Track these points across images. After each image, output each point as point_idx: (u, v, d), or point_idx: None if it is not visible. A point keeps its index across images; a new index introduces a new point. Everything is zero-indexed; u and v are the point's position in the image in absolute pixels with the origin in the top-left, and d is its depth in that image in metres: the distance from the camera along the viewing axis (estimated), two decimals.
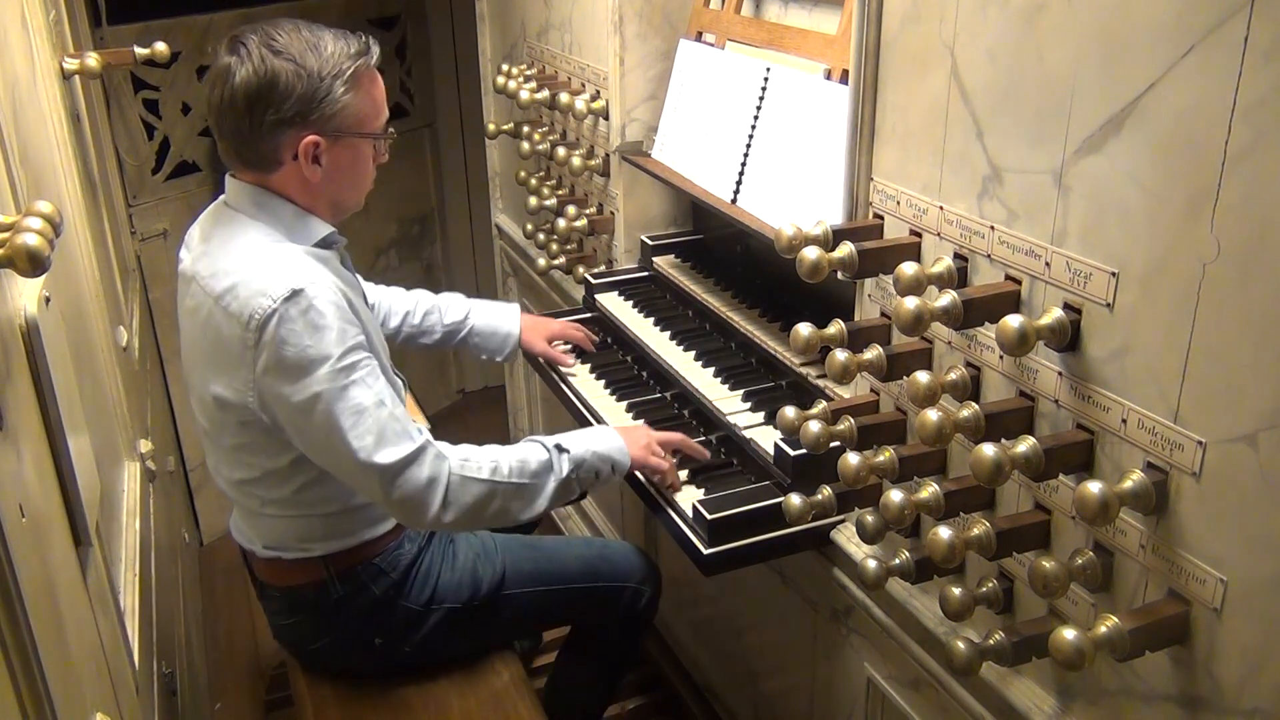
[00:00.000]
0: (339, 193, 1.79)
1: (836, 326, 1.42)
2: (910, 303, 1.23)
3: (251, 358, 1.65)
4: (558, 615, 2.17)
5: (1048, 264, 1.22)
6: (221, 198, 1.80)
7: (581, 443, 1.87)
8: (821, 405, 1.48)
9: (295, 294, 1.62)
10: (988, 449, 1.15)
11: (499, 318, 2.37)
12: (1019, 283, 1.28)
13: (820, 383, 1.90)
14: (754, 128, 2.08)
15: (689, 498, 1.84)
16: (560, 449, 1.85)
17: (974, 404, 1.24)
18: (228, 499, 1.95)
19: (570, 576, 2.09)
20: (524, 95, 2.74)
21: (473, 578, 2.00)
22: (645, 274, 2.57)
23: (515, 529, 2.19)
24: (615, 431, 1.92)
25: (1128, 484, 1.11)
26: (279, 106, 1.64)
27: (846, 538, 1.72)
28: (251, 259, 1.68)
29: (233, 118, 1.67)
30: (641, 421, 2.10)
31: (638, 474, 1.93)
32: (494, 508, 1.78)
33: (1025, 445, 1.18)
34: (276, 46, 1.65)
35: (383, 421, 1.67)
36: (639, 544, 2.74)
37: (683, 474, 1.93)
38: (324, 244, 1.78)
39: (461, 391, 4.70)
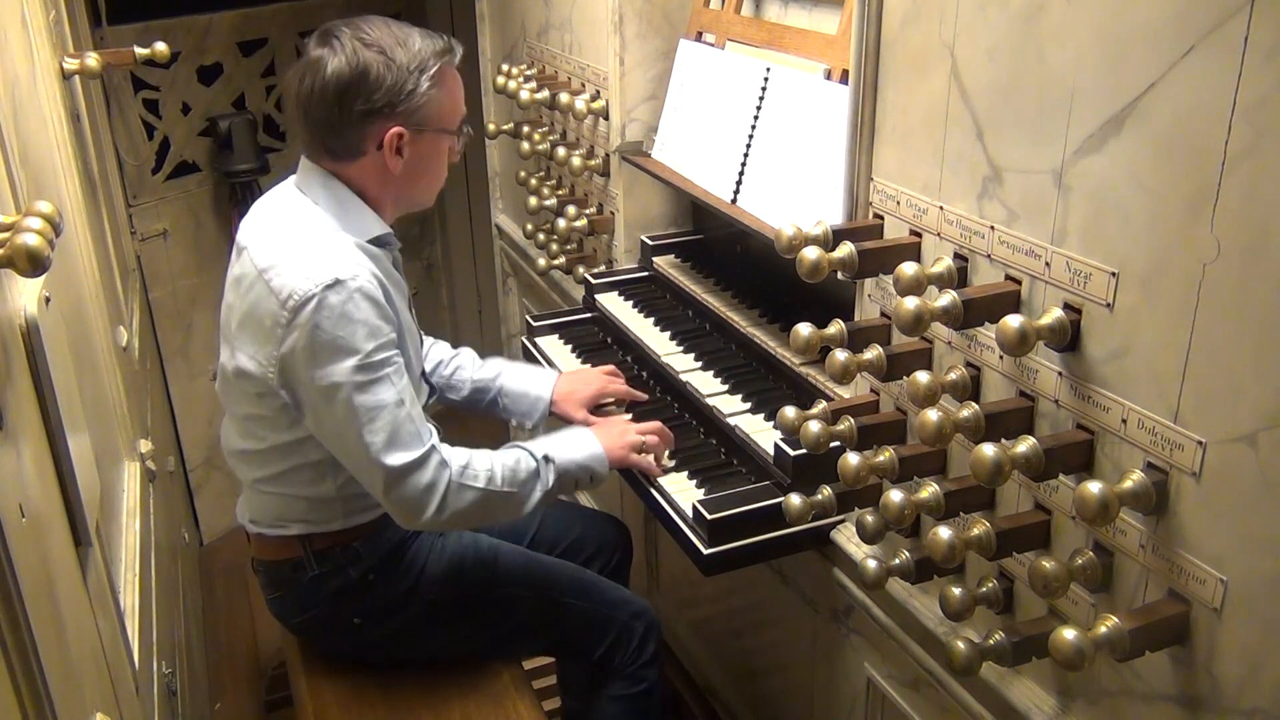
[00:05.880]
0: (413, 186, 1.85)
1: (836, 326, 1.42)
2: (910, 303, 1.23)
3: (281, 335, 1.68)
4: (545, 630, 2.10)
5: (1048, 264, 1.22)
6: (291, 178, 1.85)
7: (566, 453, 1.91)
8: (821, 405, 1.48)
9: (337, 283, 1.66)
10: (988, 449, 1.15)
11: (530, 381, 2.23)
12: (1019, 283, 1.28)
13: (820, 383, 1.90)
14: (754, 128, 2.08)
15: (689, 498, 1.84)
16: (548, 460, 1.89)
17: (974, 404, 1.24)
18: (231, 477, 1.99)
19: (561, 589, 2.08)
20: (524, 95, 2.74)
21: (459, 574, 2.00)
22: (645, 274, 2.57)
23: (507, 533, 2.20)
24: (595, 436, 1.95)
25: (1128, 484, 1.11)
26: (369, 97, 1.71)
27: (846, 538, 1.72)
28: (303, 241, 1.73)
29: (323, 107, 1.72)
30: (625, 415, 2.12)
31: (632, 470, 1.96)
32: (483, 512, 1.84)
33: (1025, 445, 1.18)
34: (367, 40, 1.71)
35: (398, 421, 1.70)
36: (639, 545, 2.74)
37: (670, 462, 1.96)
38: (378, 243, 1.82)
39: None
